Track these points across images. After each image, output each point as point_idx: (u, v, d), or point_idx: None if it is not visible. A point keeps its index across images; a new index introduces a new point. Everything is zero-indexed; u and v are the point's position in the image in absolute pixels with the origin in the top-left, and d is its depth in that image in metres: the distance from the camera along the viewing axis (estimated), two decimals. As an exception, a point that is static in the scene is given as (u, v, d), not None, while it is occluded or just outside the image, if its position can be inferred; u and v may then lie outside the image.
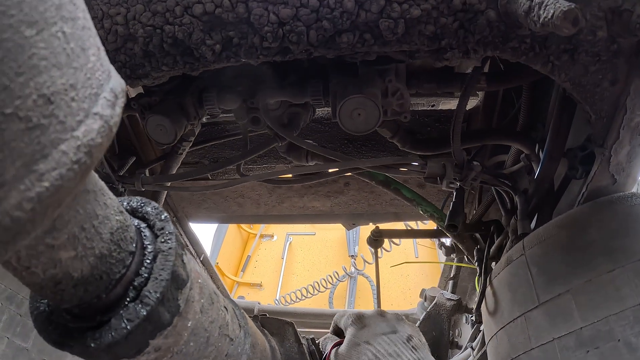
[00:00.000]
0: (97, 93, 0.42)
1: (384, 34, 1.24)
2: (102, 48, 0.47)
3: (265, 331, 1.47)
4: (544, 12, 1.04)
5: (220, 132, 2.82)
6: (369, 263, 7.39)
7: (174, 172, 2.38)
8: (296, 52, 1.29)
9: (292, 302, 7.39)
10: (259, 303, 4.30)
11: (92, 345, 0.58)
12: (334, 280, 7.62)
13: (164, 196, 2.81)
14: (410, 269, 7.57)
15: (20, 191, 0.34)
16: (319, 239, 9.14)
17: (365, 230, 3.67)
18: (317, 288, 7.52)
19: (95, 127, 0.40)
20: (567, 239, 1.67)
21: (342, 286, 7.76)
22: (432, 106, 2.89)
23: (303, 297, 7.45)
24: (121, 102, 0.46)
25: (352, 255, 8.15)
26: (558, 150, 1.84)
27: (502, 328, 1.85)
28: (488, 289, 2.04)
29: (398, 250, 7.43)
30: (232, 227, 8.98)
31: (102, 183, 0.58)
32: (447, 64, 1.35)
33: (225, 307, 0.93)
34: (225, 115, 1.85)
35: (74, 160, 0.38)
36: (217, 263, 8.00)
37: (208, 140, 2.59)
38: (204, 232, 10.41)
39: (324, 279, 7.59)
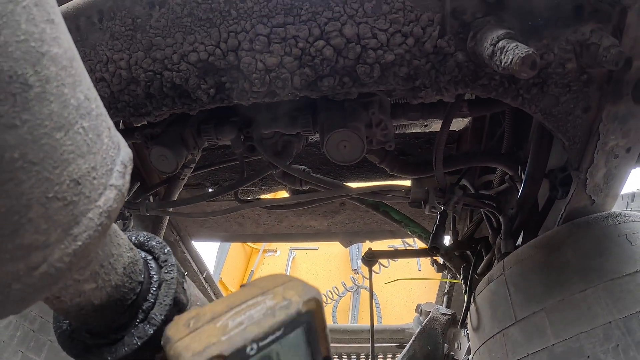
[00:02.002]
0: (111, 168, 0.55)
1: (361, 77, 1.35)
2: (112, 126, 0.60)
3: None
4: (504, 57, 1.13)
5: (220, 157, 2.93)
6: (376, 273, 7.38)
7: (176, 197, 2.49)
8: (282, 95, 1.41)
9: (295, 316, 7.43)
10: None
11: (109, 358, 0.72)
12: (335, 296, 7.66)
13: (167, 218, 2.93)
14: (413, 282, 7.61)
15: (61, 249, 0.49)
16: (321, 254, 9.18)
17: (368, 243, 3.80)
18: (319, 303, 7.55)
19: (112, 196, 0.54)
20: (544, 259, 1.74)
21: (346, 300, 7.80)
22: (425, 127, 2.99)
23: (305, 312, 7.48)
24: (129, 169, 0.59)
25: (355, 270, 8.20)
26: (539, 171, 1.92)
27: (483, 343, 1.94)
28: (472, 306, 2.13)
29: (401, 264, 7.49)
30: (235, 243, 9.03)
31: (116, 226, 0.71)
32: (422, 101, 1.45)
33: (221, 326, 1.06)
34: (224, 139, 1.96)
35: (98, 224, 0.51)
36: (221, 278, 8.05)
37: (209, 165, 2.70)
38: (208, 247, 10.47)
39: (325, 295, 7.62)
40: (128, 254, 0.73)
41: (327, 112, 1.67)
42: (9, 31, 0.42)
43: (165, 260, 0.81)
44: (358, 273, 8.08)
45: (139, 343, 0.71)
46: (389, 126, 1.70)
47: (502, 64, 1.14)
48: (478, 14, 1.30)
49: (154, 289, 0.77)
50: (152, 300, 0.76)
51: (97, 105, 0.57)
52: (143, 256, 0.82)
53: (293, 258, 9.21)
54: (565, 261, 1.67)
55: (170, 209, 2.41)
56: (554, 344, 1.58)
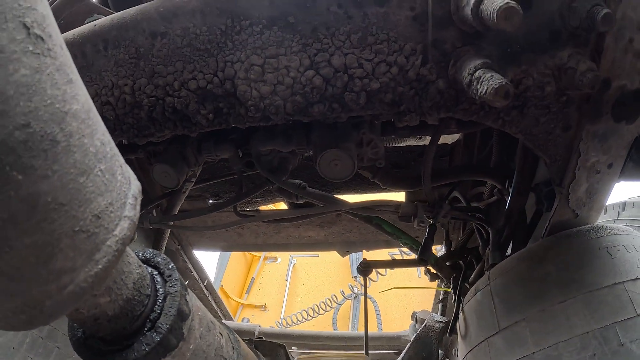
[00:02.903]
0: (124, 202, 0.66)
1: (349, 104, 1.44)
2: (123, 163, 0.71)
3: (259, 353, 1.68)
4: (480, 87, 1.20)
5: (221, 170, 3.01)
6: (374, 281, 7.42)
7: (178, 209, 2.58)
8: (276, 119, 1.50)
9: (296, 323, 7.48)
10: (259, 326, 4.45)
11: (120, 362, 0.82)
12: (334, 304, 7.70)
13: (169, 230, 3.01)
14: (412, 289, 7.66)
15: (85, 272, 0.59)
16: (322, 261, 9.19)
17: (367, 252, 3.88)
18: (318, 311, 7.60)
19: (126, 225, 0.64)
20: (527, 271, 1.81)
21: (347, 307, 7.84)
22: (419, 138, 3.06)
23: (304, 320, 7.53)
24: (139, 201, 0.70)
25: (355, 277, 8.23)
26: (525, 185, 1.99)
27: (470, 351, 2.02)
28: (461, 315, 2.20)
29: (401, 271, 7.55)
30: (236, 251, 9.08)
31: (127, 247, 0.81)
32: (407, 124, 1.53)
33: (220, 333, 1.16)
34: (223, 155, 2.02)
35: (115, 250, 0.62)
36: (222, 285, 8.09)
37: (210, 178, 2.77)
38: (209, 254, 10.51)
39: (323, 302, 7.67)
40: (137, 271, 0.83)
41: (320, 131, 1.75)
42: (38, 97, 0.51)
43: (170, 275, 0.92)
44: (358, 281, 8.12)
45: (147, 349, 0.82)
46: (379, 145, 1.77)
47: (478, 93, 1.20)
48: (458, 44, 1.36)
49: (160, 301, 0.87)
50: (159, 311, 0.86)
51: (111, 148, 0.67)
52: (149, 271, 0.92)
53: (294, 265, 9.26)
54: (547, 273, 1.73)
55: (172, 222, 2.49)
56: (534, 352, 1.64)
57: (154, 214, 2.57)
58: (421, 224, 2.13)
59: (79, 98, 0.60)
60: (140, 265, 0.86)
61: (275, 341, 1.80)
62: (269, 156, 2.00)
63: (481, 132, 2.66)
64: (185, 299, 0.92)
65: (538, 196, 1.92)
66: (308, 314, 7.56)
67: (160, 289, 0.89)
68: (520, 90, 1.43)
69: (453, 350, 3.70)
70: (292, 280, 8.93)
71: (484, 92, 1.18)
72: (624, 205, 3.13)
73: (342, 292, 7.79)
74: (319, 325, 7.42)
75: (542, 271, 1.75)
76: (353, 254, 8.18)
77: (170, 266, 0.94)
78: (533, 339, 1.67)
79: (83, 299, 0.60)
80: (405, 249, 6.58)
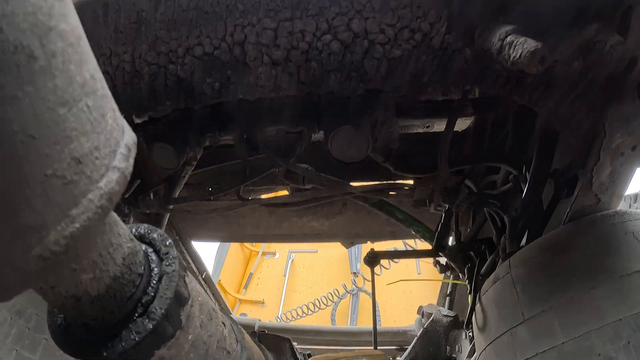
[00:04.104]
0: (115, 150, 0.53)
1: (369, 72, 1.34)
2: (116, 108, 0.58)
3: (263, 346, 1.56)
4: (513, 52, 1.12)
5: (221, 155, 2.90)
6: (368, 280, 7.39)
7: (177, 195, 2.47)
8: (288, 89, 1.39)
9: (295, 318, 7.42)
10: (259, 320, 4.36)
11: (105, 354, 0.69)
12: (335, 298, 7.66)
13: (167, 217, 2.90)
14: (412, 286, 7.60)
15: (58, 231, 0.46)
16: (321, 256, 9.16)
17: (367, 246, 3.79)
18: (319, 305, 7.55)
19: (114, 178, 0.51)
20: (550, 258, 1.73)
21: (345, 303, 7.79)
22: (427, 127, 2.97)
23: (305, 314, 7.48)
24: (133, 153, 0.57)
25: (354, 272, 8.19)
26: (543, 171, 1.90)
27: (490, 343, 1.93)
28: (478, 306, 2.11)
29: (400, 267, 7.47)
30: (234, 245, 9.00)
31: (115, 215, 0.68)
32: (429, 98, 1.43)
33: (223, 323, 1.03)
34: (226, 138, 1.95)
35: (98, 206, 0.49)
36: (220, 280, 8.03)
37: (210, 163, 2.67)
38: (206, 249, 10.44)
39: (325, 297, 7.62)
40: (128, 245, 0.70)
41: (332, 109, 1.66)
42: (17, 2, 0.41)
43: (167, 253, 0.78)
44: (358, 275, 8.07)
45: (136, 338, 0.68)
46: (394, 125, 1.69)
47: (511, 58, 1.13)
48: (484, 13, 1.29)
49: (154, 282, 0.74)
50: (152, 294, 0.73)
51: (103, 86, 0.55)
52: (143, 248, 0.79)
53: (292, 261, 9.20)
54: (572, 260, 1.67)
55: (171, 207, 2.39)
56: (563, 343, 1.57)
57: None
58: (438, 209, 2.04)
59: (69, 20, 0.49)
60: (132, 239, 0.72)
61: (280, 335, 1.69)
62: (275, 138, 1.90)
63: (492, 121, 2.56)
64: (184, 281, 0.79)
65: (557, 182, 1.85)
66: (309, 309, 7.49)
67: (155, 268, 0.75)
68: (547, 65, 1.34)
69: (457, 347, 3.61)
70: (290, 276, 8.88)
71: (517, 57, 1.10)
72: (636, 197, 3.12)
73: (345, 286, 7.72)
74: (318, 321, 7.36)
75: (568, 258, 1.69)
76: (351, 249, 8.15)
77: (167, 243, 0.80)
78: (562, 328, 1.60)
79: (54, 268, 0.47)
80: (411, 242, 6.53)
